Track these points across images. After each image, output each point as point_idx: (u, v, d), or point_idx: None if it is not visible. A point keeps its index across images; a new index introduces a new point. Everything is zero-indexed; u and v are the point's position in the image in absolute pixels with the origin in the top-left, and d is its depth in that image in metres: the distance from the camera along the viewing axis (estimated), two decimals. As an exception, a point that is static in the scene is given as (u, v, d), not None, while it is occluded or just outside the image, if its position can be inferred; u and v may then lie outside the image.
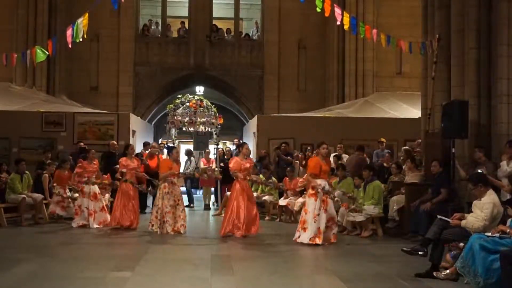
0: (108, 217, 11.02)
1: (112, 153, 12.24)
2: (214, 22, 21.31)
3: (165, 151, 15.26)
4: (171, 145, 12.52)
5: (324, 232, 8.71)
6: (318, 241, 8.59)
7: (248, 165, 9.83)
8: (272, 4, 20.78)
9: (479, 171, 8.06)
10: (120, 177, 10.95)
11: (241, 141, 17.46)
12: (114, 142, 13.91)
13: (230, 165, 9.81)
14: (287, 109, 19.89)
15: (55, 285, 5.94)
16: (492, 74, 9.74)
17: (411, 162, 10.36)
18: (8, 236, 9.80)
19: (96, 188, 11.11)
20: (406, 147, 12.90)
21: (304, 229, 8.76)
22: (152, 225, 9.98)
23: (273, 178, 12.82)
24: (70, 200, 11.69)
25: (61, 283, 6.01)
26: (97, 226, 10.74)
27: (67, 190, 11.81)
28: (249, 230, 9.54)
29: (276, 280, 6.34)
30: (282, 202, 12.20)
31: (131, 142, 15.02)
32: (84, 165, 11.09)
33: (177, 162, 10.37)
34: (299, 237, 8.81)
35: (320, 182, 8.84)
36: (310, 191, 8.92)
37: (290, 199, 12.04)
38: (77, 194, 11.28)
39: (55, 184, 11.85)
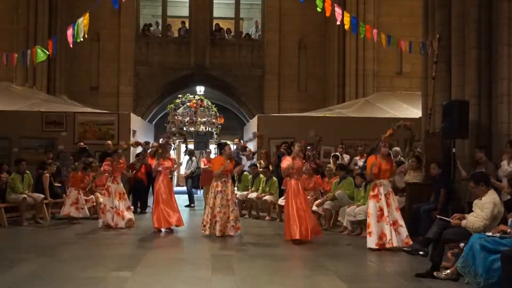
0: (133, 216, 10.93)
1: (108, 153, 12.26)
2: (214, 22, 21.34)
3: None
4: (222, 141, 12.26)
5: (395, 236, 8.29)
6: (387, 244, 8.16)
7: (300, 163, 9.40)
8: (272, 4, 20.80)
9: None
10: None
11: (242, 141, 17.46)
12: (109, 142, 13.91)
13: (283, 165, 9.36)
14: (287, 109, 19.91)
15: (55, 285, 5.94)
16: (492, 74, 9.74)
17: (417, 162, 10.35)
18: (8, 236, 9.80)
19: (122, 188, 10.99)
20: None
21: (370, 233, 8.31)
22: (204, 226, 9.56)
23: (274, 178, 12.81)
24: (84, 201, 11.72)
25: (61, 283, 6.01)
26: (124, 226, 10.54)
27: (81, 192, 11.81)
28: (315, 232, 9.07)
29: (276, 280, 6.34)
30: (282, 202, 12.17)
31: (131, 142, 15.03)
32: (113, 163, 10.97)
33: (231, 159, 9.88)
34: (368, 242, 8.37)
35: (379, 182, 8.49)
36: (371, 193, 8.52)
37: (290, 199, 12.02)
38: (99, 196, 11.29)
39: (70, 186, 11.87)
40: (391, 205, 8.46)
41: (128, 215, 10.79)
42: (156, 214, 10.08)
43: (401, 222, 8.45)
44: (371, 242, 8.22)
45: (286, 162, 9.29)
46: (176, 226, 10.21)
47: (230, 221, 9.51)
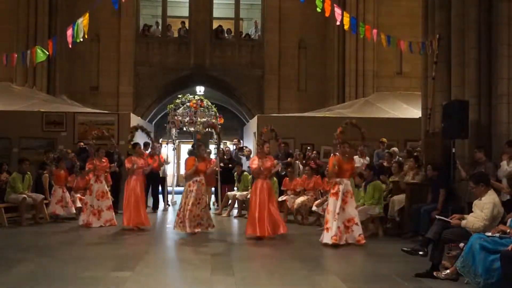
0: (114, 216, 11.04)
1: (110, 152, 12.28)
2: (214, 22, 21.35)
3: (163, 150, 15.29)
4: (198, 142, 12.45)
5: (346, 232, 8.60)
6: (339, 241, 8.45)
7: (269, 163, 9.64)
8: (272, 4, 20.79)
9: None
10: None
11: (241, 141, 17.51)
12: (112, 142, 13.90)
13: (252, 166, 9.63)
14: (287, 109, 19.90)
15: (55, 285, 5.94)
16: (492, 74, 9.73)
17: (414, 162, 10.37)
18: (8, 236, 9.80)
19: (104, 187, 11.11)
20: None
21: (327, 229, 8.61)
22: (176, 223, 9.85)
23: (274, 178, 12.81)
24: (68, 200, 11.74)
25: (61, 283, 6.01)
26: (102, 225, 10.73)
27: (65, 189, 11.83)
28: (276, 230, 9.38)
29: (276, 280, 6.34)
30: (280, 198, 12.16)
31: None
32: (96, 162, 11.10)
33: (203, 159, 10.09)
34: (323, 238, 8.66)
35: (340, 181, 8.75)
36: (332, 190, 8.83)
37: (289, 196, 12.03)
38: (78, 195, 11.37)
39: (54, 184, 11.87)
40: (349, 203, 8.73)
41: (107, 215, 10.91)
42: (127, 212, 10.35)
43: (357, 220, 8.74)
44: (327, 237, 8.52)
45: (255, 163, 9.58)
46: (144, 225, 10.43)
47: (201, 219, 9.77)
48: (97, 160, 11.15)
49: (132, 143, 11.17)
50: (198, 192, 9.76)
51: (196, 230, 9.72)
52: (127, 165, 10.64)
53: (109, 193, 11.23)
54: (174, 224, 9.89)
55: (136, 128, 11.45)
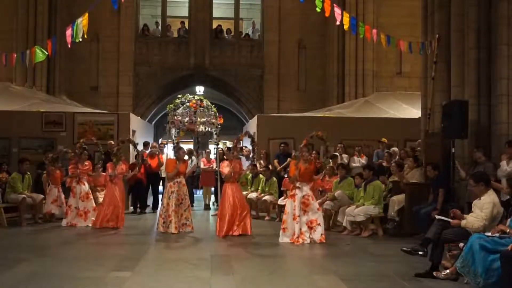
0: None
1: (110, 152, 12.31)
2: (214, 22, 21.35)
3: (165, 150, 15.28)
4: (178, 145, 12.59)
5: (308, 233, 8.90)
6: (300, 241, 8.77)
7: (238, 167, 10.07)
8: (272, 4, 20.79)
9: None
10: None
11: (241, 141, 17.50)
12: (112, 142, 13.92)
13: (224, 171, 10.01)
14: (287, 109, 19.89)
15: (55, 285, 5.94)
16: (492, 74, 9.74)
17: (413, 161, 10.38)
18: (8, 236, 9.80)
19: (87, 189, 11.25)
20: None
21: (284, 229, 9.00)
22: (158, 224, 10.11)
23: (274, 178, 12.84)
24: (63, 200, 11.77)
25: (61, 283, 6.01)
26: (90, 225, 10.88)
27: (60, 189, 11.87)
28: (244, 230, 9.73)
29: (276, 280, 6.34)
30: (281, 202, 12.19)
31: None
32: (78, 165, 11.22)
33: (184, 161, 10.43)
34: (281, 238, 9.04)
35: (298, 185, 9.06)
36: (290, 192, 9.21)
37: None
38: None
39: (49, 183, 11.90)
40: (311, 205, 9.03)
41: (93, 215, 11.06)
42: (100, 213, 10.66)
43: (320, 221, 9.05)
44: (284, 237, 8.91)
45: (226, 168, 9.97)
46: (117, 227, 10.59)
47: (183, 219, 10.09)
48: (80, 164, 11.29)
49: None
50: (180, 193, 10.06)
51: (181, 230, 9.99)
52: (108, 170, 10.90)
53: (91, 195, 11.40)
54: (157, 225, 10.16)
55: (123, 142, 11.77)
